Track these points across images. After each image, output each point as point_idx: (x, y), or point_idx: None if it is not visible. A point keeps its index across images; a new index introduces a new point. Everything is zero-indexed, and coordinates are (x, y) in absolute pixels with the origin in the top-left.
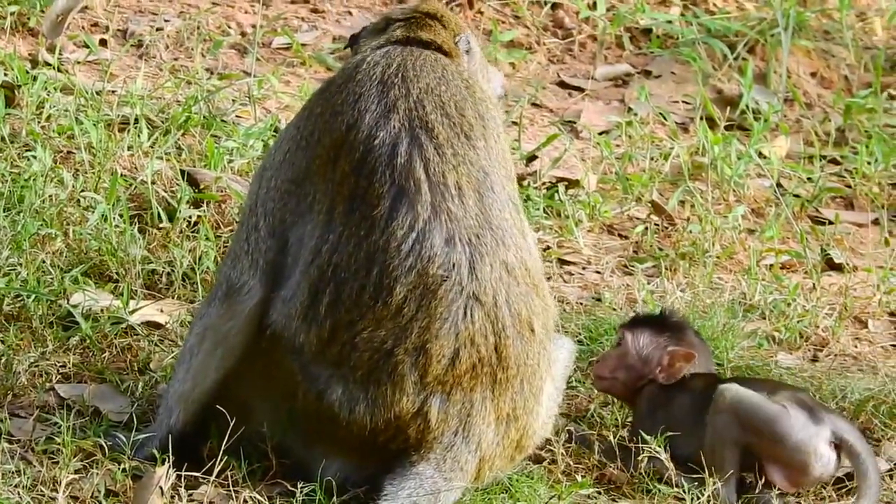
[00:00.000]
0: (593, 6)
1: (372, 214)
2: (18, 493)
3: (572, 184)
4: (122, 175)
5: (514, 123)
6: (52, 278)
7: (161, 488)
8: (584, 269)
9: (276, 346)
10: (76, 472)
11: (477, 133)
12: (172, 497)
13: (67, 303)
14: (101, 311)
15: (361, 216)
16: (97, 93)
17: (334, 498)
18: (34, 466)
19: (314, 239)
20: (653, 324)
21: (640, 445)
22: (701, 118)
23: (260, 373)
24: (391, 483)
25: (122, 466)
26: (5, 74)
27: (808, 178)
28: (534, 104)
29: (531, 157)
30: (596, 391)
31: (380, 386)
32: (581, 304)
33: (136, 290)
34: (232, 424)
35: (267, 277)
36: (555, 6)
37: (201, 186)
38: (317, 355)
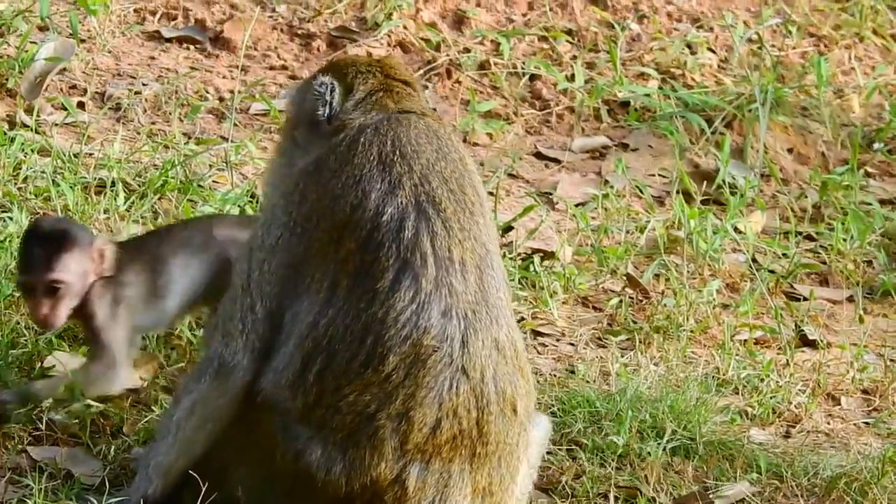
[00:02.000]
0: (571, 78)
1: (375, 287)
2: None
3: (548, 255)
4: None
5: (491, 194)
6: (25, 340)
7: None
8: (557, 340)
9: (260, 409)
10: None
11: (477, 209)
12: None
13: (41, 366)
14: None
15: (364, 289)
16: (74, 155)
17: None
18: None
19: (312, 315)
20: (60, 249)
21: None
22: (677, 192)
23: (238, 436)
24: None
25: None
26: None
27: (784, 254)
28: (510, 175)
29: (507, 228)
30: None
31: (359, 448)
32: (554, 375)
33: None
34: (205, 489)
35: (258, 355)
36: (533, 77)
37: None
38: (300, 417)
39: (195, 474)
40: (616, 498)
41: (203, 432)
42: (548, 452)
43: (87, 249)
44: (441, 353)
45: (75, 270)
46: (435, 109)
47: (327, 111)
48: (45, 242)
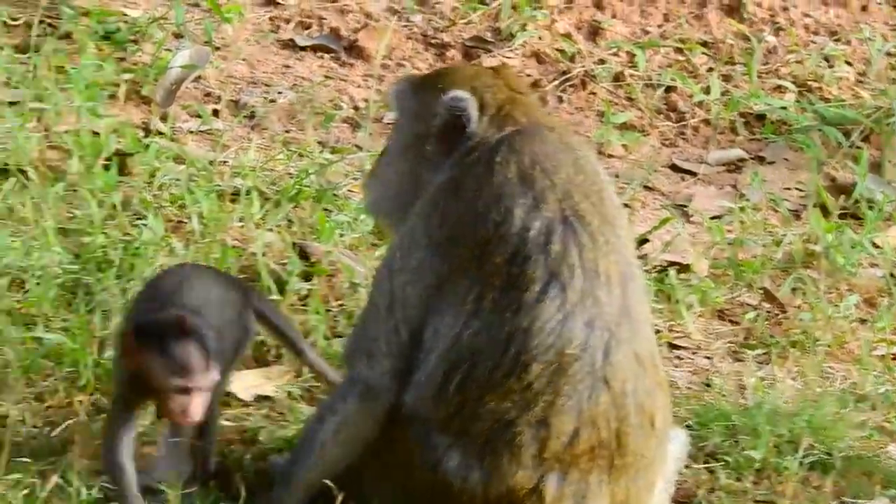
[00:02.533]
0: (707, 90)
1: (521, 299)
2: None
3: (683, 268)
4: (232, 246)
5: (626, 206)
6: None
7: None
8: (693, 353)
9: (399, 422)
10: None
11: (619, 222)
12: None
13: None
14: None
15: (510, 301)
16: (209, 163)
17: None
18: None
19: (455, 328)
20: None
21: None
22: (814, 205)
23: (377, 446)
24: None
25: None
26: (118, 142)
27: None
28: (646, 187)
29: (643, 241)
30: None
31: (497, 455)
32: (690, 388)
33: (245, 362)
34: (341, 499)
35: (403, 375)
36: (668, 89)
37: (312, 260)
38: (440, 427)
39: (331, 484)
40: None
41: (346, 451)
42: (685, 466)
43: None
44: (583, 363)
45: None
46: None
47: (471, 127)
48: (194, 342)
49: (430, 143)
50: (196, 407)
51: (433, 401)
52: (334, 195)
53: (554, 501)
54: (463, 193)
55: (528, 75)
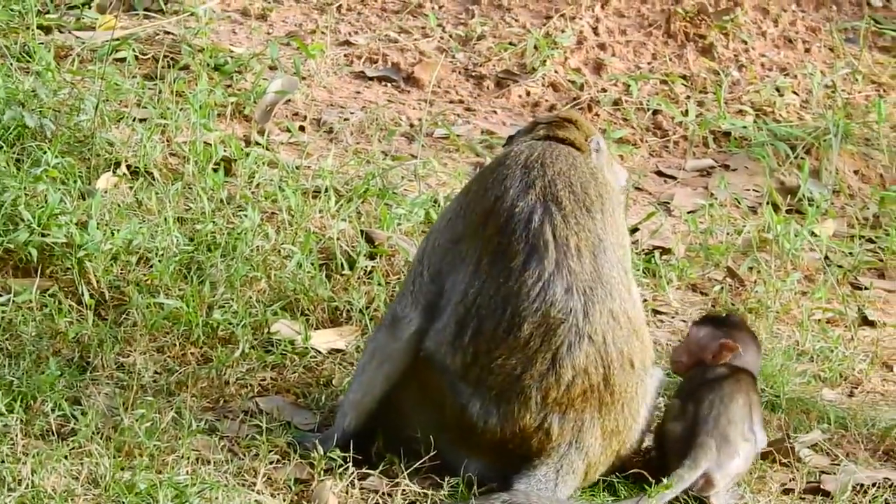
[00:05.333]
0: (685, 113)
1: (510, 266)
2: (226, 478)
3: (665, 251)
4: (313, 232)
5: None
6: (256, 311)
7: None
8: (672, 317)
9: (430, 367)
10: (272, 463)
11: (596, 208)
12: (347, 486)
13: (268, 331)
14: (294, 339)
15: (501, 267)
16: (296, 167)
17: (474, 489)
18: (239, 458)
19: (463, 284)
20: (715, 321)
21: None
22: (767, 203)
23: (417, 389)
24: (518, 480)
25: (308, 460)
26: (225, 150)
27: (850, 253)
28: (637, 188)
29: (634, 230)
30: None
31: (509, 404)
32: (669, 345)
33: (322, 323)
34: (393, 429)
35: (424, 312)
36: (655, 112)
37: (376, 243)
38: (461, 376)
39: (385, 421)
40: None
41: (381, 373)
42: (662, 403)
43: (719, 337)
44: (568, 324)
45: (698, 336)
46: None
47: (509, 137)
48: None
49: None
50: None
51: (451, 348)
52: (394, 193)
53: (557, 437)
54: (484, 172)
55: (546, 101)
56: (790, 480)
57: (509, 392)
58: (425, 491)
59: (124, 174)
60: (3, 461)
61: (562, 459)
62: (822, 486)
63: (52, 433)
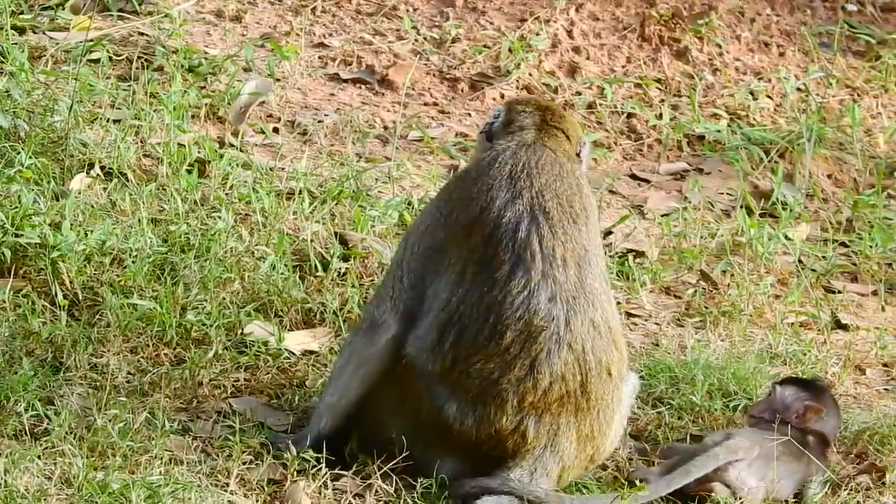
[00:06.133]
0: (659, 116)
1: (494, 276)
2: (199, 478)
3: (639, 254)
4: (287, 234)
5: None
6: (230, 312)
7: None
8: (646, 320)
9: (409, 371)
10: (245, 464)
11: (581, 219)
12: (320, 487)
13: (242, 332)
14: (268, 340)
15: (486, 276)
16: (270, 169)
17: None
18: (213, 458)
19: (446, 292)
20: (799, 383)
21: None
22: (741, 207)
23: (394, 392)
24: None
25: (281, 461)
26: (199, 152)
27: (823, 257)
28: (611, 191)
29: (608, 233)
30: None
31: (486, 406)
32: (643, 347)
33: (296, 324)
34: (368, 430)
35: (402, 318)
36: (629, 115)
37: (350, 245)
38: (439, 379)
39: (360, 423)
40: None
41: (357, 377)
42: (638, 408)
43: (805, 401)
44: (549, 331)
45: (784, 396)
46: (578, 154)
47: (487, 129)
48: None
49: (477, 141)
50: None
51: (431, 354)
52: (367, 195)
53: (532, 440)
54: (467, 179)
55: None
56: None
57: (486, 395)
58: (398, 491)
59: (98, 175)
60: None
61: (536, 462)
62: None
63: (25, 433)
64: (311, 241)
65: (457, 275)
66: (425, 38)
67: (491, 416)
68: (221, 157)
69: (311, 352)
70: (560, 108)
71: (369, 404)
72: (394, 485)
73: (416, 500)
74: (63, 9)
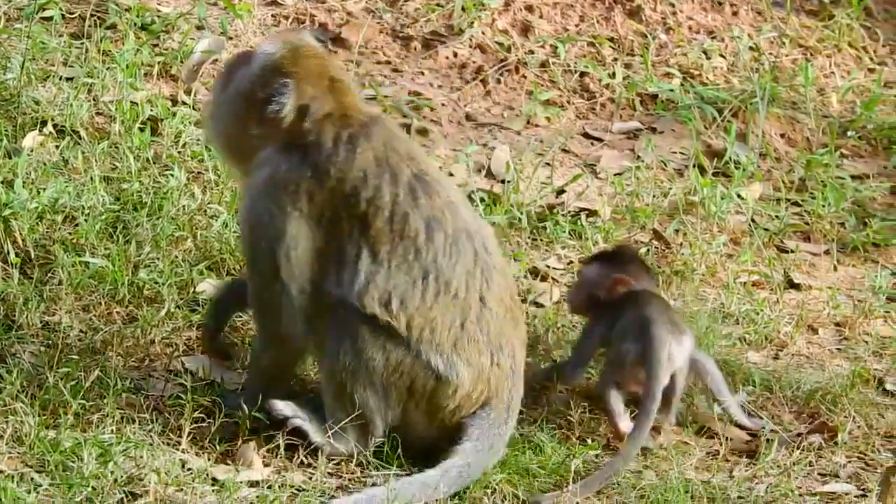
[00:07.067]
0: (612, 76)
1: (415, 244)
2: (151, 437)
3: (592, 213)
4: (239, 192)
5: (548, 164)
6: (182, 270)
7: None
8: None
9: (390, 346)
10: (196, 422)
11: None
12: (274, 448)
13: (194, 290)
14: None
15: (405, 249)
16: None
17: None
18: (165, 416)
19: (363, 276)
20: (603, 257)
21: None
22: (694, 166)
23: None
24: (471, 425)
25: (234, 419)
26: (151, 110)
27: (776, 216)
28: (563, 150)
29: (560, 191)
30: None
31: (466, 351)
32: None
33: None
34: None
35: (307, 321)
36: (582, 74)
37: None
38: (416, 341)
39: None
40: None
41: (285, 376)
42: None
43: (610, 275)
44: (484, 267)
45: (594, 275)
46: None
47: (285, 112)
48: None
49: (253, 116)
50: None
51: (394, 320)
52: None
53: (506, 367)
54: (329, 178)
55: (475, 62)
56: (717, 442)
57: (461, 341)
58: (351, 450)
59: (50, 133)
60: None
61: (511, 392)
62: (746, 447)
63: None
64: None
65: (366, 261)
66: None
67: (473, 357)
68: (174, 115)
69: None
70: (325, 54)
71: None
72: (346, 445)
73: (368, 458)
74: None
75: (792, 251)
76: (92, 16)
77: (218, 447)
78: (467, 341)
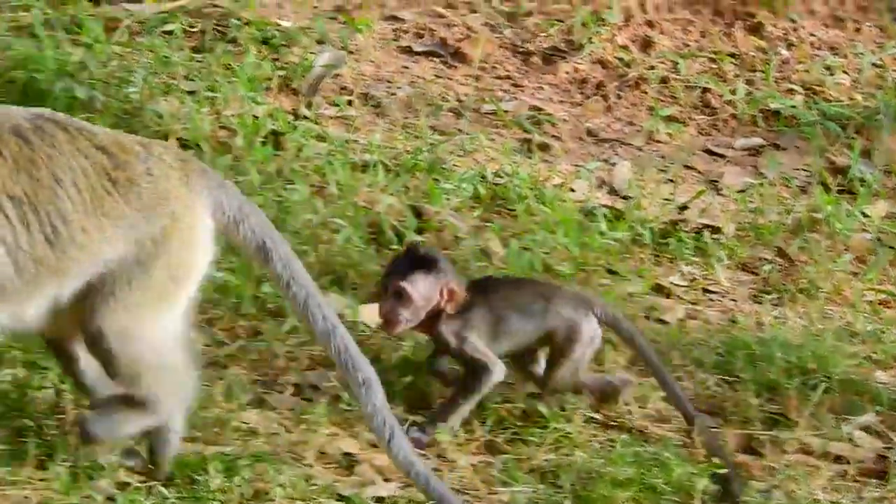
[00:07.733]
0: (734, 91)
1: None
2: (277, 452)
3: (715, 230)
4: (362, 206)
5: (670, 180)
6: None
7: None
8: (722, 297)
9: None
10: (326, 436)
11: None
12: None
13: None
14: (343, 313)
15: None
16: (345, 142)
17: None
18: (291, 432)
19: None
20: (419, 267)
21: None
22: (817, 183)
23: None
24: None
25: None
26: (273, 124)
27: None
28: (686, 166)
29: (683, 207)
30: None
31: None
32: (720, 324)
33: (371, 297)
34: None
35: None
36: (704, 90)
37: (424, 218)
38: None
39: None
40: (766, 421)
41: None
42: (715, 385)
43: (438, 282)
44: None
45: (421, 290)
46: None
47: None
48: (411, 260)
49: None
50: (385, 307)
51: None
52: (442, 168)
53: None
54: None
55: (595, 77)
56: (846, 463)
57: None
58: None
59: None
60: None
61: None
62: (875, 468)
63: None
64: (386, 213)
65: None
66: (498, 12)
67: None
68: (295, 129)
69: None
70: None
71: None
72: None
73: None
74: None
75: None
76: (213, 30)
77: (342, 462)
78: None
